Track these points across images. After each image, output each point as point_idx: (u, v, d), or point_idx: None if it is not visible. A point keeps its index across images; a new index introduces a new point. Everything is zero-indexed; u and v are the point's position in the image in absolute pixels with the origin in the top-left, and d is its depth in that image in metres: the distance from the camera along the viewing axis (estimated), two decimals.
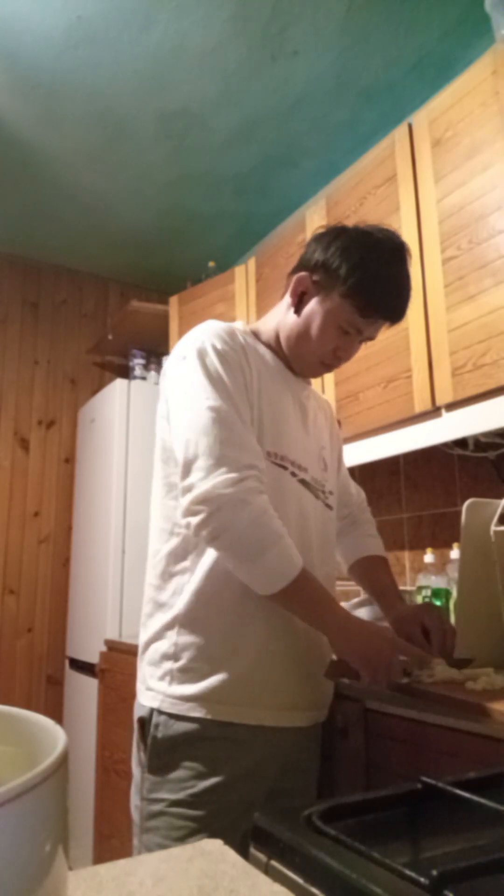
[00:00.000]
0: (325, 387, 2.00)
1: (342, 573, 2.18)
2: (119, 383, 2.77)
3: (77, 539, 3.03)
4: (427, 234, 1.66)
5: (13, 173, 2.60)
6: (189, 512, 0.99)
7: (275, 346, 1.22)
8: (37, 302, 3.30)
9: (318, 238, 1.18)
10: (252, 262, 2.43)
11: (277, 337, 1.21)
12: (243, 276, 2.47)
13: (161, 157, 2.52)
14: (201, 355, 1.07)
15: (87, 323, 3.42)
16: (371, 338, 1.19)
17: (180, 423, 1.05)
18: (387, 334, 1.78)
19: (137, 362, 3.07)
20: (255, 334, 1.23)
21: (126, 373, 3.22)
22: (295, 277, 1.17)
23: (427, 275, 1.65)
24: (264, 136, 2.40)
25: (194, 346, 1.09)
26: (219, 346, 1.08)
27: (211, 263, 2.87)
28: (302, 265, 1.18)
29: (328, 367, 1.21)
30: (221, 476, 0.97)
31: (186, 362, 1.08)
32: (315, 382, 2.02)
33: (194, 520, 0.98)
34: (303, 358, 1.19)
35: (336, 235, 1.15)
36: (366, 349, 1.84)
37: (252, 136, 2.40)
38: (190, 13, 1.89)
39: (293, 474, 1.14)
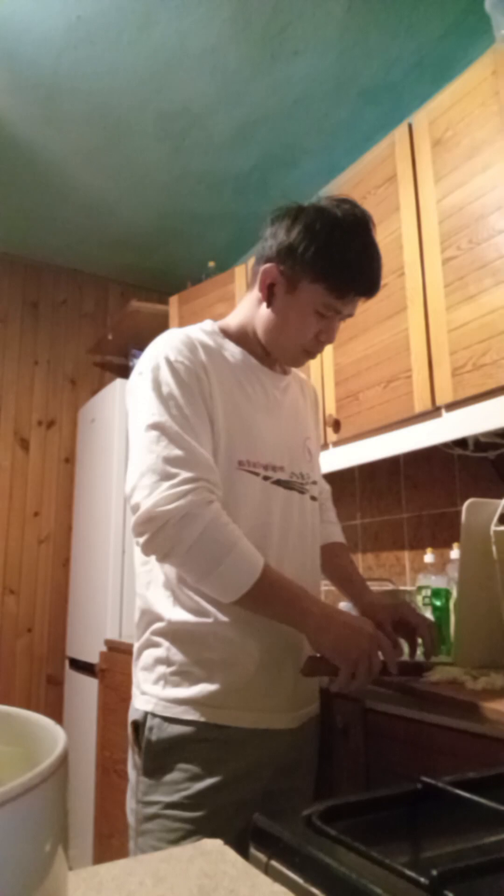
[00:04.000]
0: (325, 387, 1.99)
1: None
2: (119, 383, 2.76)
3: (77, 539, 3.03)
4: (427, 234, 1.66)
5: (13, 173, 2.60)
6: (136, 532, 0.98)
7: (246, 341, 1.19)
8: (37, 302, 3.30)
9: (277, 220, 1.14)
10: (252, 262, 2.43)
11: (247, 331, 1.18)
12: (243, 276, 2.47)
13: (161, 157, 2.52)
14: (154, 370, 1.06)
15: (87, 323, 3.41)
16: (350, 314, 1.15)
17: (131, 442, 1.05)
18: (387, 334, 1.78)
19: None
20: (225, 331, 1.20)
21: (126, 373, 3.21)
22: (261, 270, 1.14)
23: (427, 275, 1.65)
24: (264, 136, 2.40)
25: (149, 361, 1.08)
26: (172, 357, 1.07)
27: (211, 263, 2.87)
28: (267, 255, 1.14)
29: (311, 354, 1.18)
30: (164, 493, 0.95)
31: (142, 378, 1.08)
32: (315, 382, 2.02)
33: (142, 539, 0.98)
34: (284, 350, 1.16)
35: (295, 217, 1.12)
36: (366, 349, 1.85)
37: (252, 136, 2.40)
38: (190, 13, 1.89)
39: (266, 478, 1.11)
